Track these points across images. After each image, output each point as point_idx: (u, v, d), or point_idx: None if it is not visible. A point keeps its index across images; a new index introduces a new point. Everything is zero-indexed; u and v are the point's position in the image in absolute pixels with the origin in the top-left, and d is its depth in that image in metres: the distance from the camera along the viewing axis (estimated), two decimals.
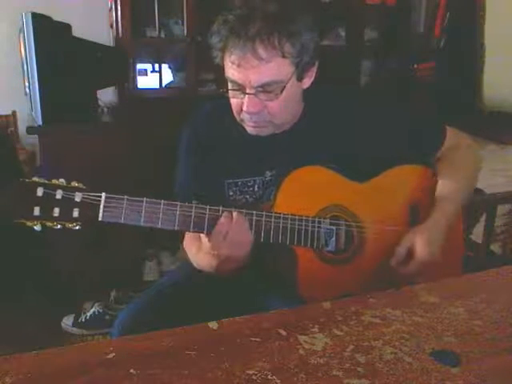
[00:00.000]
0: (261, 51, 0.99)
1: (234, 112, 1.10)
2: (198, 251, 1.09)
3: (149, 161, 2.48)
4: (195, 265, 1.15)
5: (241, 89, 1.04)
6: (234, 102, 1.09)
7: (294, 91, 1.08)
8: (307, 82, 1.11)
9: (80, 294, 2.24)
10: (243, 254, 1.02)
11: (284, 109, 1.08)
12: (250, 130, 1.11)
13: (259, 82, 1.02)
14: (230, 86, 1.07)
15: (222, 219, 0.98)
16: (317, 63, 1.10)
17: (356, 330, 0.84)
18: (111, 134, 2.39)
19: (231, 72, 1.03)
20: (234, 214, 0.99)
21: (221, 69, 1.08)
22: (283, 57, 1.01)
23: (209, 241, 1.00)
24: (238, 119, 1.11)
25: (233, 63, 1.02)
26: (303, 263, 1.08)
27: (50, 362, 0.76)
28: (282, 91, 1.04)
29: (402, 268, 1.09)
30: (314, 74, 1.11)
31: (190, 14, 2.82)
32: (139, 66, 3.03)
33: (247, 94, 1.03)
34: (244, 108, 1.05)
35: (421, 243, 1.08)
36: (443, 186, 1.17)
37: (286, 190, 1.08)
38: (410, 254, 1.09)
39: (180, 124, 1.23)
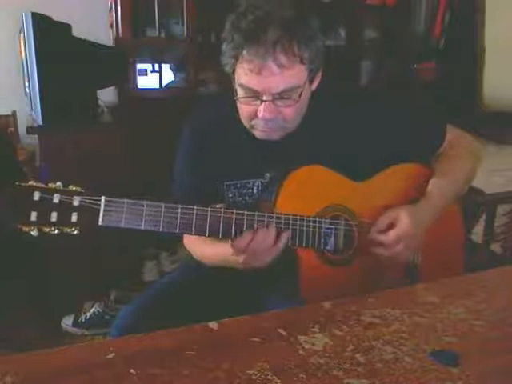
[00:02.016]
0: (282, 59, 0.97)
1: (245, 118, 1.08)
2: (214, 247, 1.10)
3: (149, 161, 2.48)
4: (206, 259, 1.15)
5: (257, 96, 1.02)
6: (246, 108, 1.06)
7: (307, 94, 1.08)
8: (315, 84, 1.10)
9: (80, 294, 2.23)
10: (264, 264, 1.03)
11: (298, 113, 1.08)
12: (260, 134, 1.09)
13: (279, 89, 1.00)
14: (242, 93, 1.04)
15: (249, 237, 0.98)
16: (322, 65, 1.09)
17: (356, 329, 0.84)
18: (111, 134, 2.39)
19: (247, 79, 1.01)
20: (262, 232, 0.99)
21: (226, 74, 1.05)
22: (301, 63, 1.00)
23: (233, 249, 1.00)
24: (247, 125, 1.10)
25: (251, 71, 0.99)
26: (305, 264, 1.08)
27: (50, 362, 0.76)
28: (300, 96, 1.03)
29: (382, 236, 1.08)
30: (319, 76, 1.10)
31: (190, 14, 2.82)
32: (139, 66, 3.03)
33: (264, 100, 1.01)
34: (260, 115, 1.03)
35: (404, 215, 1.07)
36: (435, 179, 1.16)
37: (287, 190, 1.07)
38: (392, 225, 1.08)
39: (180, 124, 1.23)
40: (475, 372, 0.74)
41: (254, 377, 0.71)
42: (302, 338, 0.81)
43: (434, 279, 1.04)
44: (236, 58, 1.01)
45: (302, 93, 1.03)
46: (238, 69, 1.02)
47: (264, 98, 1.01)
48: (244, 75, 1.01)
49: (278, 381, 0.71)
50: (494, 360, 0.78)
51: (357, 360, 0.76)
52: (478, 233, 1.81)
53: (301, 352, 0.78)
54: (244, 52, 0.98)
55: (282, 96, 1.02)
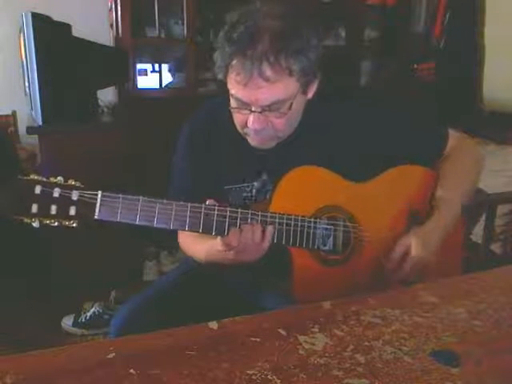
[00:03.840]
0: (268, 72, 0.96)
1: (238, 126, 1.09)
2: (205, 244, 1.09)
3: (149, 161, 2.48)
4: (199, 256, 1.15)
5: (246, 107, 1.03)
6: (238, 117, 1.07)
7: (300, 104, 1.08)
8: (311, 93, 1.09)
9: (80, 294, 2.24)
10: (254, 260, 1.03)
11: (289, 123, 1.08)
12: (253, 143, 1.10)
13: (267, 102, 1.00)
14: (234, 102, 1.05)
15: (238, 234, 0.98)
16: (319, 74, 1.08)
17: (356, 329, 0.84)
18: (111, 134, 2.39)
19: (236, 90, 1.02)
20: (248, 228, 0.99)
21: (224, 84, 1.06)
22: (290, 75, 0.99)
23: (222, 245, 1.01)
24: (241, 133, 1.10)
25: (239, 83, 0.99)
26: (298, 264, 1.08)
27: (49, 362, 0.76)
28: (290, 108, 1.03)
29: (396, 270, 1.08)
30: (316, 85, 1.09)
31: (190, 14, 2.82)
32: (139, 66, 3.03)
33: (253, 111, 1.02)
34: (249, 125, 1.04)
35: (416, 245, 1.07)
36: (443, 189, 1.15)
37: (283, 190, 1.07)
38: (405, 255, 1.08)
39: (180, 124, 1.23)
40: (475, 372, 0.74)
41: (254, 377, 0.71)
42: (302, 337, 0.81)
43: (433, 280, 1.04)
44: (226, 68, 1.01)
45: (291, 104, 1.03)
46: (229, 79, 1.03)
47: (253, 109, 1.02)
48: (233, 86, 1.02)
49: (278, 381, 0.71)
50: (494, 360, 0.78)
51: (357, 360, 0.76)
52: (478, 233, 1.81)
53: (301, 352, 0.78)
54: (233, 63, 0.99)
55: (271, 108, 1.01)
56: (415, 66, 3.27)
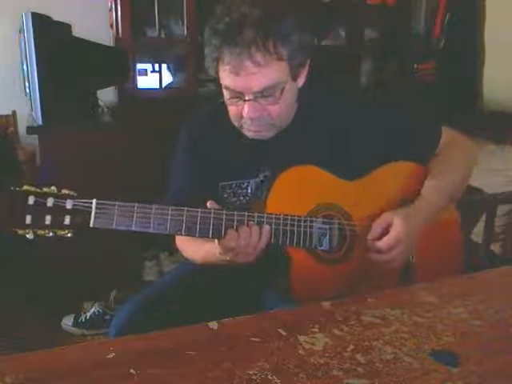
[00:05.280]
0: (258, 57, 0.99)
1: (233, 119, 1.10)
2: (202, 246, 1.10)
3: (148, 161, 2.48)
4: (197, 258, 1.16)
5: (239, 96, 1.04)
6: (232, 109, 1.08)
7: (292, 91, 1.09)
8: (301, 80, 1.11)
9: (80, 294, 2.23)
10: (251, 261, 1.03)
11: (284, 110, 1.09)
12: (250, 134, 1.11)
13: (259, 88, 1.02)
14: (227, 94, 1.06)
15: (236, 235, 0.99)
16: (308, 60, 1.10)
17: (356, 330, 0.84)
18: (111, 134, 2.39)
19: (228, 80, 1.03)
20: (246, 230, 0.99)
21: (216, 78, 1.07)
22: (279, 60, 1.01)
23: (219, 247, 1.01)
24: (237, 125, 1.11)
25: (230, 72, 1.01)
26: (296, 264, 1.08)
27: (49, 362, 0.76)
28: (281, 93, 1.04)
29: (377, 243, 1.06)
30: (306, 72, 1.11)
31: (190, 14, 2.82)
32: (139, 66, 3.03)
33: (246, 100, 1.03)
34: (245, 114, 1.05)
35: (398, 220, 1.06)
36: (430, 180, 1.16)
37: (278, 190, 1.08)
38: (387, 231, 1.07)
39: (180, 124, 1.23)
40: (475, 372, 0.74)
41: (254, 377, 0.71)
42: (301, 337, 0.81)
43: (431, 280, 1.04)
44: (217, 61, 1.03)
45: (283, 89, 1.04)
46: (220, 71, 1.04)
47: (246, 98, 1.03)
48: (225, 77, 1.03)
49: (278, 381, 0.71)
50: (494, 360, 0.78)
51: (357, 360, 0.76)
52: (478, 233, 1.81)
53: (301, 352, 0.78)
54: (222, 54, 1.01)
55: (263, 94, 1.03)
56: (415, 65, 3.27)
